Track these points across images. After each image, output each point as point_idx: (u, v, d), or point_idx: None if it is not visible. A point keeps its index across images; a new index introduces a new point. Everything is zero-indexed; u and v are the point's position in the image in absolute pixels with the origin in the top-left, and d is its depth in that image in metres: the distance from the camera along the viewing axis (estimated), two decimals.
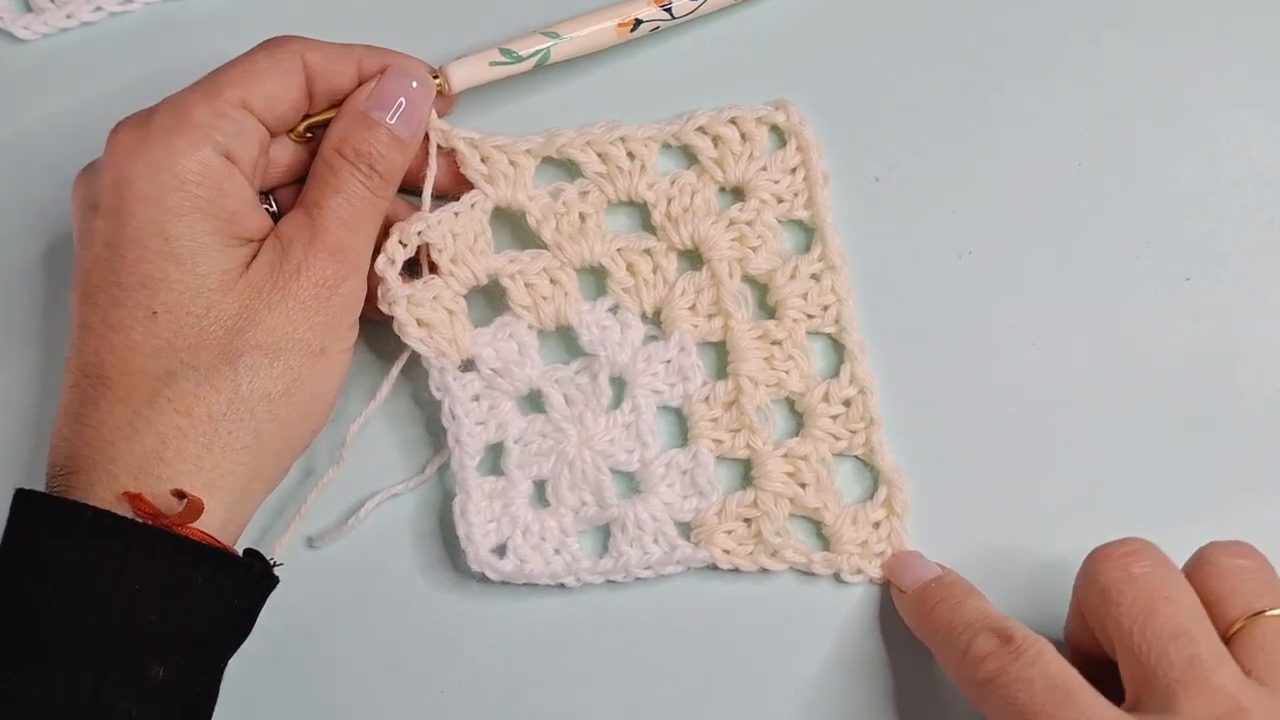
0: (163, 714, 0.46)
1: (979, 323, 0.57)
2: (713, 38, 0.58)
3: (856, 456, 0.56)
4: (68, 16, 0.59)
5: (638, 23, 0.56)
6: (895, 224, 0.57)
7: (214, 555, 0.47)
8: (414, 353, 0.54)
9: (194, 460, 0.47)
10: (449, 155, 0.54)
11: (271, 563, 0.50)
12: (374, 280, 0.53)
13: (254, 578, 0.49)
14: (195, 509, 0.46)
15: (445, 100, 0.54)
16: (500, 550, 0.54)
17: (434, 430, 0.56)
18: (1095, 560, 0.49)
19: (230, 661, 0.50)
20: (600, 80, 0.58)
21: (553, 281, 0.55)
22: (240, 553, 0.49)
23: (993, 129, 0.58)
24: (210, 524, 0.47)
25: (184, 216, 0.48)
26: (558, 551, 0.55)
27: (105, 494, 0.46)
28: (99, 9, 0.59)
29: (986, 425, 0.56)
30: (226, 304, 0.48)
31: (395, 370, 0.54)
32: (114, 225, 0.48)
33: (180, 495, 0.46)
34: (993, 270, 0.57)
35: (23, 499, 0.47)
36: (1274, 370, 0.57)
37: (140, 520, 0.46)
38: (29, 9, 0.59)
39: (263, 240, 0.50)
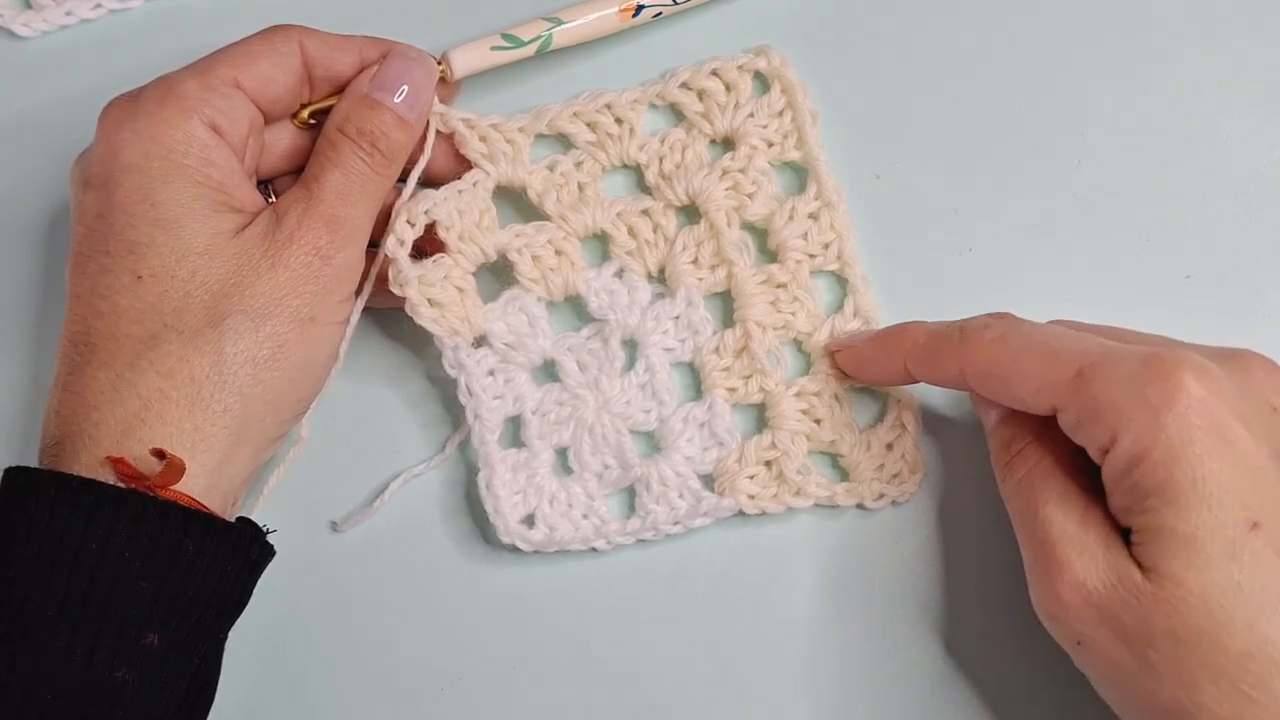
0: (161, 683, 0.46)
1: None
2: (713, 28, 0.59)
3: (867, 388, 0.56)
4: (68, 14, 0.59)
5: (639, 9, 0.56)
6: (896, 221, 0.57)
7: (201, 520, 0.47)
8: (416, 331, 0.54)
9: (175, 423, 0.47)
10: (447, 138, 0.55)
11: (265, 530, 0.50)
12: (374, 267, 0.53)
13: (245, 544, 0.48)
14: (176, 469, 0.46)
15: (448, 88, 0.55)
16: (529, 520, 0.55)
17: (451, 408, 0.56)
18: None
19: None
20: (600, 68, 0.58)
21: (558, 252, 0.55)
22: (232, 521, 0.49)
23: (994, 127, 0.58)
24: (193, 488, 0.47)
25: (170, 182, 0.49)
26: (585, 516, 0.55)
27: (90, 460, 0.47)
28: (99, 6, 0.59)
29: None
30: (213, 268, 0.49)
31: (348, 331, 0.52)
32: (103, 196, 0.49)
33: (160, 455, 0.46)
34: (993, 268, 0.57)
35: (11, 475, 0.47)
36: None
37: (123, 485, 0.46)
38: (29, 6, 0.59)
39: (256, 214, 0.50)
